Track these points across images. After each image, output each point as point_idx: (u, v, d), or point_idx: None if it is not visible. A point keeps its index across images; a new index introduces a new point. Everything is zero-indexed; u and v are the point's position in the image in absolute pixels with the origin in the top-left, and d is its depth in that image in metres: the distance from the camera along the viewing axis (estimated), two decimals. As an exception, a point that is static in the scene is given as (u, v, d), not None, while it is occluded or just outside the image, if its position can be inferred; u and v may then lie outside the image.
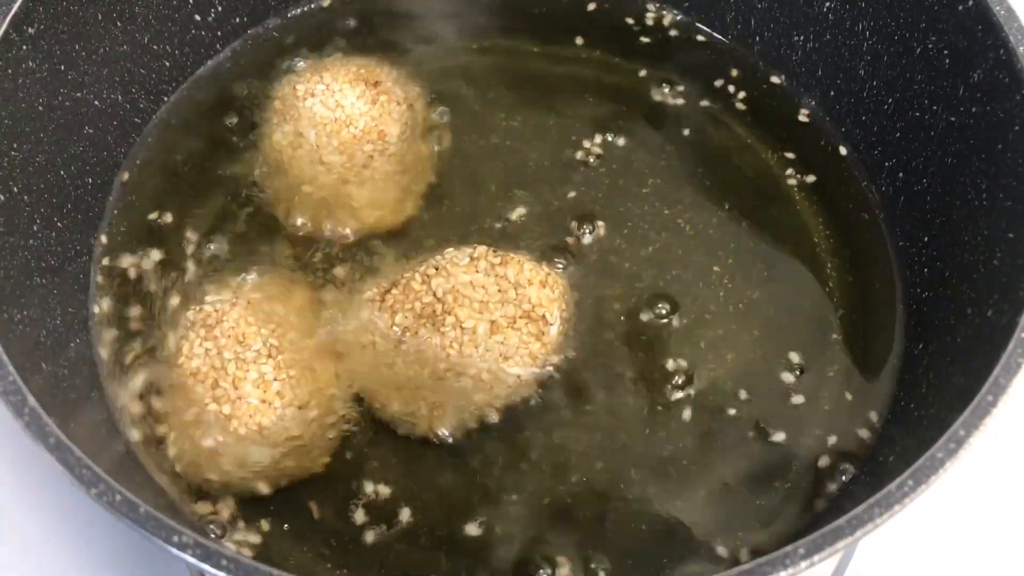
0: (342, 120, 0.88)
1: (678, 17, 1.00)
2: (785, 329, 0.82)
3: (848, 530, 0.58)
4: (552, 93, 0.96)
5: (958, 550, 0.86)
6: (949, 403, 0.64)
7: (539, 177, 0.89)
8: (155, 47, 0.92)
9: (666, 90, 0.95)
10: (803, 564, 0.56)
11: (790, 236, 0.87)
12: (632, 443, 0.77)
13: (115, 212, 0.87)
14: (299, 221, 0.86)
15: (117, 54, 0.87)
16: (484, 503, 0.74)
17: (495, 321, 0.76)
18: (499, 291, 0.77)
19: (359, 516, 0.73)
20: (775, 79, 0.97)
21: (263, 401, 0.74)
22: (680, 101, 0.95)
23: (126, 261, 0.84)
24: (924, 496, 0.59)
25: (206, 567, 0.56)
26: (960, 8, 0.78)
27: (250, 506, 0.74)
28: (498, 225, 0.86)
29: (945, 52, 0.81)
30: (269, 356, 0.75)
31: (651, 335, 0.81)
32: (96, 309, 0.82)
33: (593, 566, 0.72)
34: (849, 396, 0.79)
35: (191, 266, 0.84)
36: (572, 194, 0.88)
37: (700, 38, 1.00)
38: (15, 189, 0.75)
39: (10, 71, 0.75)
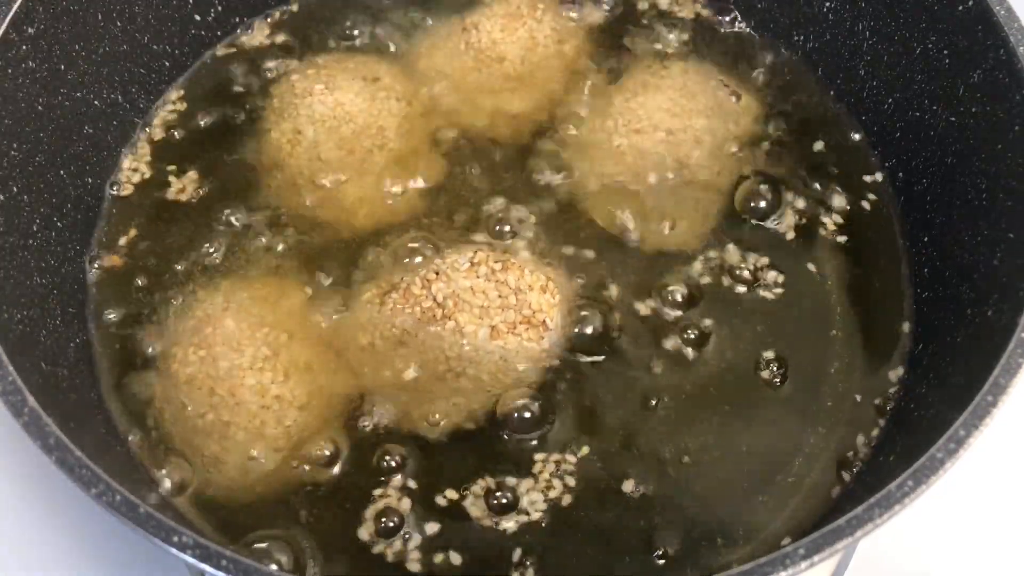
0: (341, 117, 0.88)
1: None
2: (786, 328, 0.82)
3: (848, 530, 0.58)
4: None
5: (958, 550, 0.86)
6: (949, 403, 0.64)
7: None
8: (155, 47, 0.92)
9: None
10: (803, 564, 0.56)
11: (789, 234, 0.87)
12: (631, 444, 0.77)
13: (114, 212, 0.87)
14: (298, 220, 0.86)
15: (117, 54, 0.87)
16: (484, 503, 0.74)
17: (495, 327, 0.76)
18: (499, 296, 0.77)
19: (360, 515, 0.73)
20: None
21: (262, 406, 0.74)
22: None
23: (125, 262, 0.84)
24: (924, 496, 0.59)
25: (206, 567, 0.56)
26: (960, 8, 0.78)
27: (252, 508, 0.74)
28: (500, 222, 0.86)
29: (945, 52, 0.81)
30: (265, 360, 0.75)
31: (651, 336, 0.81)
32: (95, 309, 0.82)
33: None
34: (849, 396, 0.79)
35: (187, 268, 0.84)
36: (572, 191, 0.88)
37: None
38: (15, 189, 0.75)
39: (10, 71, 0.75)
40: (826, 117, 0.94)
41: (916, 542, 0.86)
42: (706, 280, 0.83)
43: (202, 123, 0.92)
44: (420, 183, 0.88)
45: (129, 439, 0.76)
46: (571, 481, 0.75)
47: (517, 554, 0.72)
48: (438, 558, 0.72)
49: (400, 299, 0.78)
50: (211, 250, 0.85)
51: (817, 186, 0.89)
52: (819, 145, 0.92)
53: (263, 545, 0.72)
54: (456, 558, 0.72)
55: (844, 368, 0.80)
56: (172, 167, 0.90)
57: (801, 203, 0.88)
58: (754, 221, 0.87)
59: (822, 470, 0.76)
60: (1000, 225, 0.74)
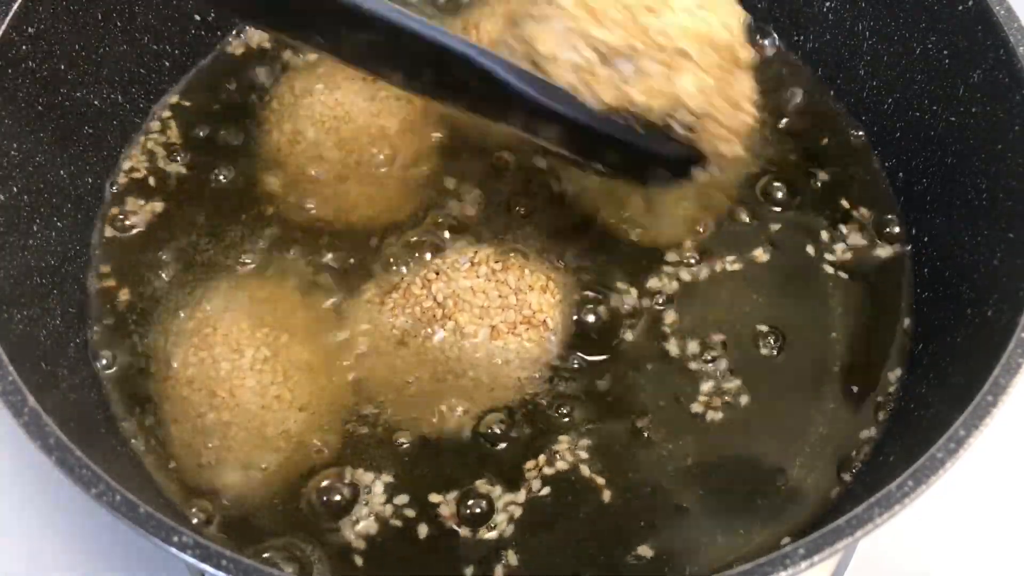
0: (341, 116, 0.88)
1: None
2: (786, 327, 0.82)
3: (848, 530, 0.58)
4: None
5: (958, 550, 0.86)
6: (949, 403, 0.64)
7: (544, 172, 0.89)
8: (155, 47, 0.91)
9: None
10: (803, 564, 0.56)
11: (790, 234, 0.87)
12: (632, 445, 0.77)
13: (114, 212, 0.87)
14: (298, 220, 0.86)
15: (117, 54, 0.87)
16: (482, 504, 0.74)
17: (495, 327, 0.76)
18: (499, 296, 0.77)
19: (360, 516, 0.73)
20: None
21: (262, 407, 0.74)
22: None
23: (125, 262, 0.84)
24: (924, 496, 0.59)
25: (206, 567, 0.56)
26: (960, 8, 0.78)
27: (253, 508, 0.74)
28: (499, 221, 0.86)
29: (945, 52, 0.81)
30: (265, 361, 0.75)
31: (652, 334, 0.81)
32: (95, 310, 0.82)
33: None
34: (849, 396, 0.79)
35: (187, 268, 0.84)
36: (573, 189, 0.88)
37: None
38: (15, 189, 0.75)
39: (10, 71, 0.75)
40: (826, 117, 0.94)
41: (916, 542, 0.86)
42: (706, 278, 0.83)
43: (202, 123, 0.92)
44: (420, 183, 0.88)
45: (129, 439, 0.76)
46: (571, 480, 0.75)
47: (511, 550, 0.72)
48: (440, 556, 0.72)
49: (400, 299, 0.78)
50: (211, 250, 0.85)
51: (816, 186, 0.89)
52: (819, 145, 0.92)
53: (268, 555, 0.72)
54: (456, 555, 0.72)
55: (844, 368, 0.80)
56: (172, 167, 0.90)
57: (800, 203, 0.88)
58: (753, 220, 0.87)
59: (822, 470, 0.76)
60: (1000, 225, 0.74)
